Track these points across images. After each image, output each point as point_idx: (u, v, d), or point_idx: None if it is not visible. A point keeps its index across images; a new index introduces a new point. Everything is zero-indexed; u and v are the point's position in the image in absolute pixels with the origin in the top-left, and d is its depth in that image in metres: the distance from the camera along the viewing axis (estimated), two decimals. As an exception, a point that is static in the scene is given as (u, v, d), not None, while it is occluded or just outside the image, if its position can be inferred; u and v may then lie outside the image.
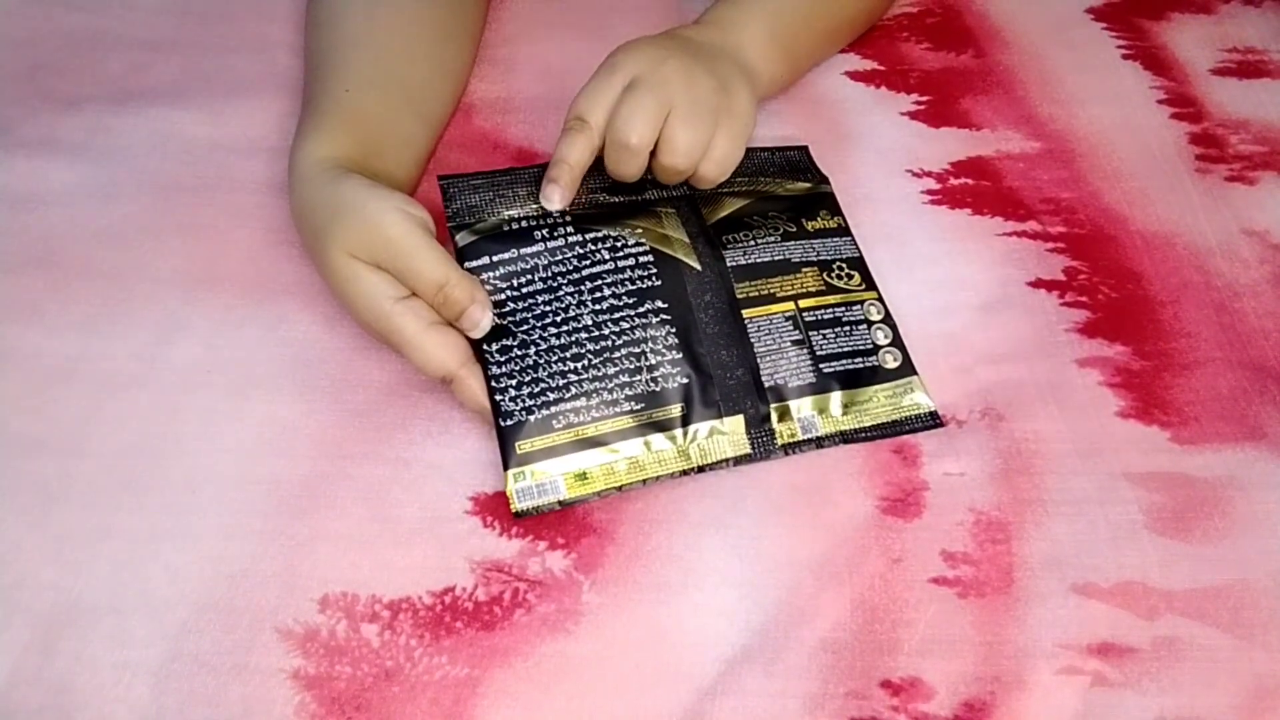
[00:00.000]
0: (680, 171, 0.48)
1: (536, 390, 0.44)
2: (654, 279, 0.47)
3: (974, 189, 0.56)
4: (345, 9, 0.54)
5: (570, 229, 0.48)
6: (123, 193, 0.53)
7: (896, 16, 0.65)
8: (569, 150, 0.47)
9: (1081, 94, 0.60)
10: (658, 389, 0.45)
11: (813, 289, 0.49)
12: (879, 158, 0.57)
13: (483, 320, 0.44)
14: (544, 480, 0.43)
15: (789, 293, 0.48)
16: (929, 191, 0.55)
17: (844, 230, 0.52)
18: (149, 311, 0.49)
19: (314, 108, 0.50)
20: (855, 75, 0.61)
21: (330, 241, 0.44)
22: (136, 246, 0.51)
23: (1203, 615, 0.41)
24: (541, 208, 0.48)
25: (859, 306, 0.49)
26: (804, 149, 0.55)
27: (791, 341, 0.47)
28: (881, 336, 0.48)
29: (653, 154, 0.47)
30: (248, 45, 0.61)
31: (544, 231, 0.48)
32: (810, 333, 0.47)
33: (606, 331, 0.45)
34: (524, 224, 0.48)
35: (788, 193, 0.53)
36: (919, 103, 0.60)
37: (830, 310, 0.48)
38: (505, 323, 0.46)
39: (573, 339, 0.45)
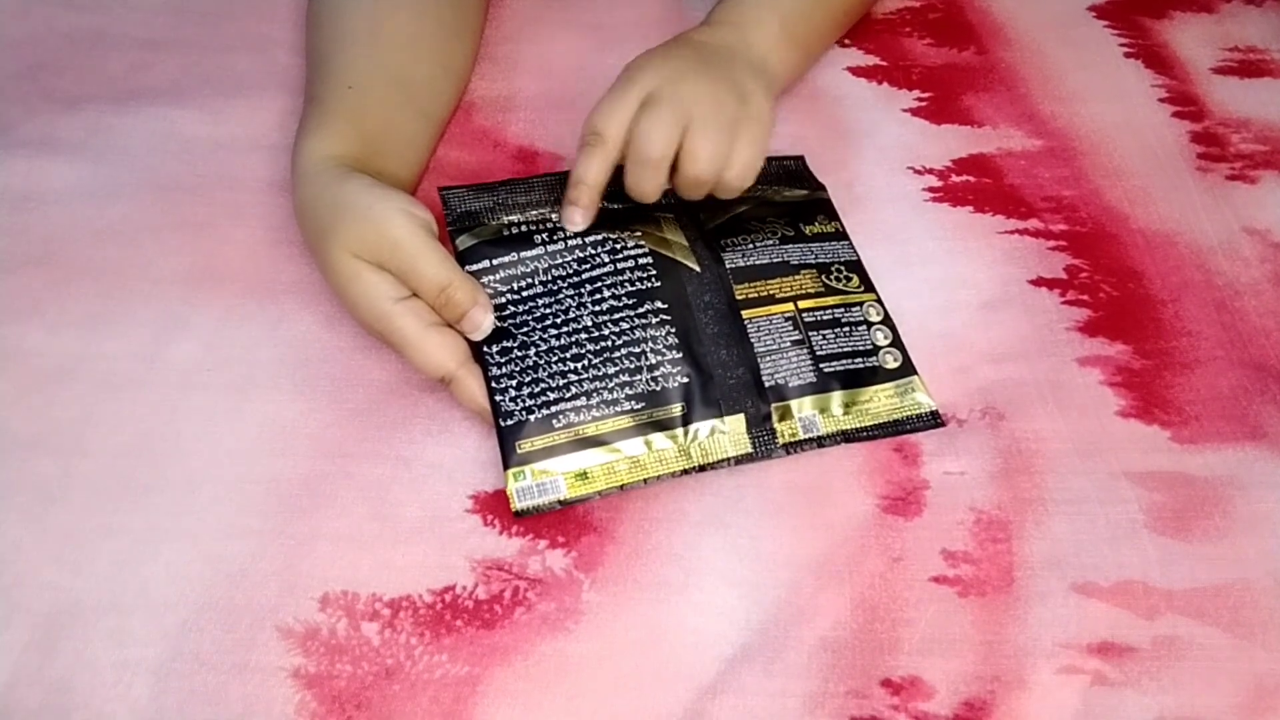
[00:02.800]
0: (703, 183, 0.47)
1: (536, 390, 0.44)
2: (653, 280, 0.47)
3: (975, 186, 0.56)
4: (347, 6, 0.54)
5: (569, 233, 0.48)
6: (123, 192, 0.53)
7: (899, 11, 0.65)
8: (587, 169, 0.47)
9: (1083, 92, 0.60)
10: (658, 388, 0.45)
11: (811, 290, 0.49)
12: (880, 155, 0.57)
13: (484, 322, 0.44)
14: (544, 480, 0.43)
15: (788, 294, 0.48)
16: (930, 189, 0.55)
17: (841, 235, 0.52)
18: (149, 310, 0.49)
19: (317, 105, 0.50)
20: (857, 71, 0.61)
21: (333, 240, 0.44)
22: (136, 245, 0.51)
23: (1203, 615, 0.41)
24: (541, 214, 0.48)
25: (858, 308, 0.49)
26: (800, 159, 0.56)
27: (791, 341, 0.47)
28: (881, 337, 0.48)
29: (674, 169, 0.47)
30: (248, 44, 0.61)
31: (544, 236, 0.48)
32: (810, 333, 0.47)
33: (606, 332, 0.45)
34: (524, 228, 0.48)
35: (785, 199, 0.53)
36: (920, 99, 0.60)
37: (829, 311, 0.48)
38: (505, 325, 0.46)
39: (573, 340, 0.45)
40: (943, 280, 0.52)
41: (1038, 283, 0.52)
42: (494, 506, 0.44)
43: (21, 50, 0.60)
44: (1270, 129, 0.58)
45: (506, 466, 0.43)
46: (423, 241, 0.43)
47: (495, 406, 0.44)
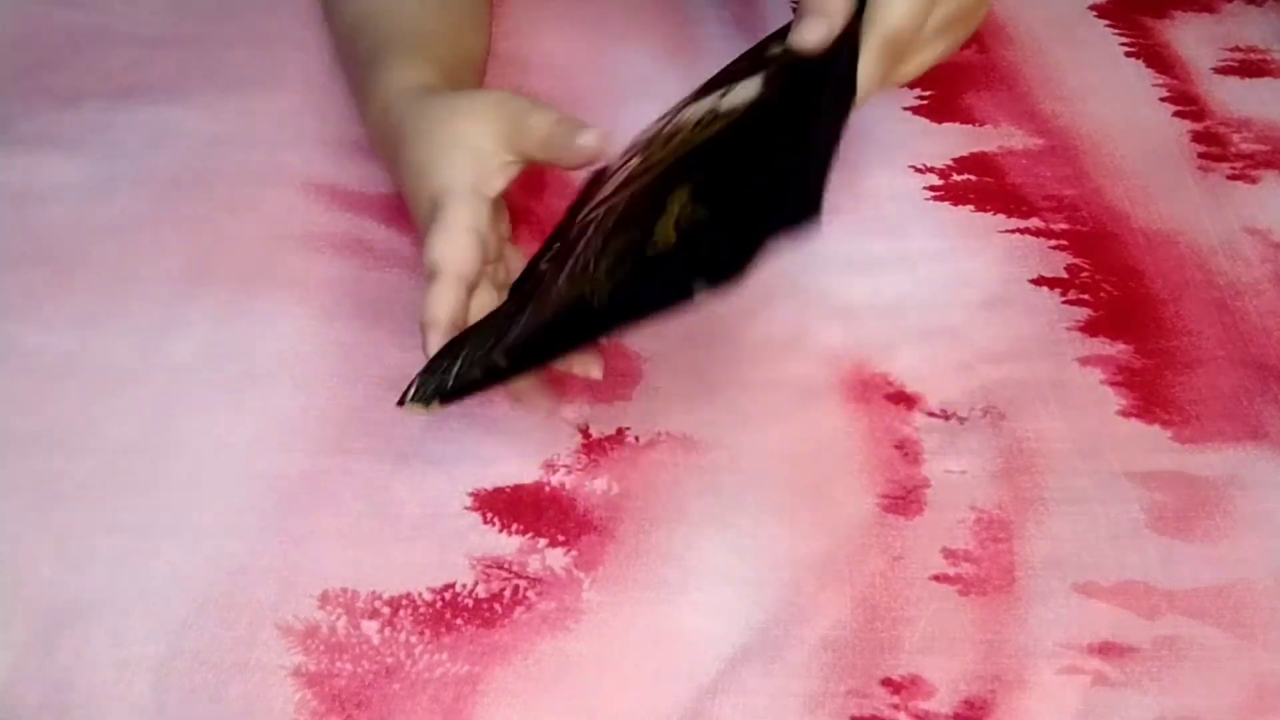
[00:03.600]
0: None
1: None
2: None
3: (976, 185, 0.56)
4: None
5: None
6: (122, 188, 0.53)
7: (899, 12, 0.65)
8: None
9: (1084, 91, 0.60)
10: None
11: None
12: (881, 153, 0.57)
13: (591, 140, 0.41)
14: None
15: None
16: (931, 188, 0.55)
17: None
18: (148, 307, 0.49)
19: (389, 46, 0.50)
20: (857, 71, 0.61)
21: (444, 109, 0.44)
22: (135, 242, 0.51)
23: (1204, 615, 0.41)
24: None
25: None
26: None
27: None
28: None
29: None
30: (247, 41, 0.61)
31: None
32: None
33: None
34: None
35: None
36: (921, 97, 0.60)
37: None
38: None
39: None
40: (943, 279, 0.52)
41: (1039, 282, 0.52)
42: (494, 504, 0.44)
43: (20, 47, 0.60)
44: (1271, 129, 0.58)
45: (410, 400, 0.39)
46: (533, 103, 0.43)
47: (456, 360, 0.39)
